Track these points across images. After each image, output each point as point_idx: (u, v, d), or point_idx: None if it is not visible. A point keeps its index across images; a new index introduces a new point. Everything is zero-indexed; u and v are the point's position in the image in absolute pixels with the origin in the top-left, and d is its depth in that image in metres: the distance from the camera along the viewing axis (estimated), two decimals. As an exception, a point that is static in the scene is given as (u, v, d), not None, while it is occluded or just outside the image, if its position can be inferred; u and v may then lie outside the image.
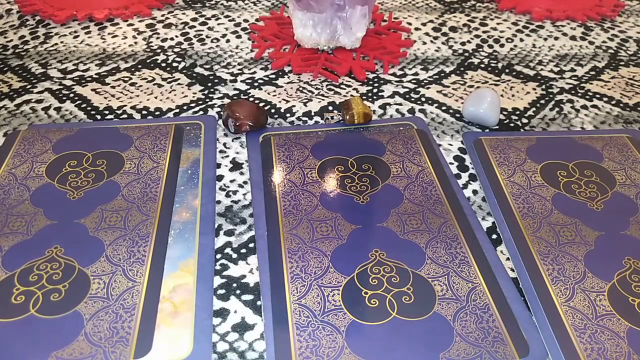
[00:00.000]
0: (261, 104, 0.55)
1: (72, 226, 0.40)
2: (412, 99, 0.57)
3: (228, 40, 0.67)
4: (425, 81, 0.60)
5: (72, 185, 0.43)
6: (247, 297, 0.36)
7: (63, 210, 0.41)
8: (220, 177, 0.46)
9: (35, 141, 0.47)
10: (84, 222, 0.40)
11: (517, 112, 0.55)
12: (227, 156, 0.48)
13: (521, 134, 0.52)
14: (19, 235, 0.39)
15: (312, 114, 0.54)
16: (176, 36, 0.67)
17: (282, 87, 0.58)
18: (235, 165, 0.47)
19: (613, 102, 0.58)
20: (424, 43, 0.68)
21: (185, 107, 0.54)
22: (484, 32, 0.71)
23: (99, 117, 0.52)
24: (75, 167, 0.45)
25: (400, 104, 0.56)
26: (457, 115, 0.54)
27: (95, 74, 0.59)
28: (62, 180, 0.43)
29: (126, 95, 0.56)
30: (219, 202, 0.43)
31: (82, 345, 0.32)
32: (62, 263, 0.37)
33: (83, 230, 0.39)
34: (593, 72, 0.63)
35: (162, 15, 0.72)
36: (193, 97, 0.56)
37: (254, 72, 0.60)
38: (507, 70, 0.63)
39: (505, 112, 0.55)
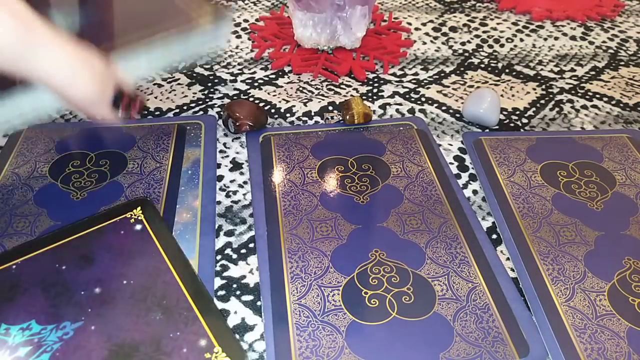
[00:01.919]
0: (261, 104, 0.55)
1: None
2: (412, 99, 0.57)
3: (228, 41, 0.67)
4: (425, 81, 0.60)
5: (76, 186, 0.43)
6: (247, 297, 0.36)
7: (67, 211, 0.41)
8: (220, 178, 0.46)
9: (38, 140, 0.47)
10: None
11: (517, 112, 0.55)
12: (227, 156, 0.48)
13: (521, 134, 0.52)
14: (22, 236, 0.39)
15: (312, 114, 0.54)
16: (176, 36, 0.67)
17: (282, 87, 0.58)
18: (235, 165, 0.47)
19: (613, 102, 0.58)
20: (424, 43, 0.68)
21: (185, 107, 0.54)
22: (484, 32, 0.71)
23: (99, 117, 0.52)
24: (79, 167, 0.45)
25: (400, 104, 0.56)
26: (457, 115, 0.54)
27: (96, 74, 0.59)
28: (65, 181, 0.43)
29: (126, 95, 0.56)
30: (219, 202, 0.43)
31: None
32: None
33: None
34: (593, 72, 0.63)
35: (162, 16, 0.72)
36: (193, 97, 0.56)
37: (254, 72, 0.60)
38: (507, 70, 0.63)
39: (505, 112, 0.55)
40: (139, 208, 0.38)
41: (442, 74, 0.61)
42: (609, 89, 0.60)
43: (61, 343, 0.29)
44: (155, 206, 0.39)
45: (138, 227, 0.36)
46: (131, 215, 0.37)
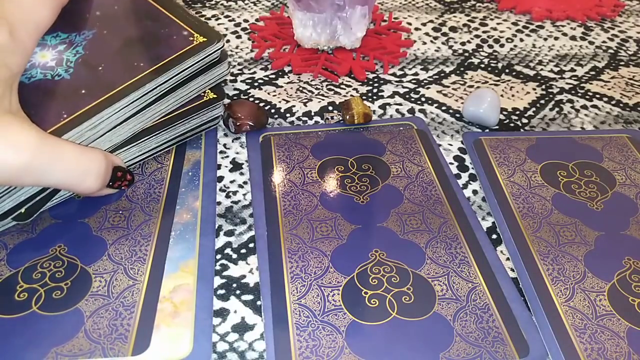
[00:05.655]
0: (261, 104, 0.55)
1: (76, 225, 0.40)
2: (412, 99, 0.57)
3: (228, 41, 0.67)
4: (425, 81, 0.60)
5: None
6: (247, 297, 0.36)
7: (68, 209, 0.41)
8: (220, 178, 0.46)
9: None
10: (87, 222, 0.40)
11: (517, 112, 0.55)
12: (227, 156, 0.48)
13: (521, 134, 0.52)
14: (23, 233, 0.39)
15: (312, 114, 0.54)
16: (176, 36, 0.67)
17: (282, 87, 0.58)
18: (235, 166, 0.47)
19: (613, 102, 0.58)
20: (424, 43, 0.68)
21: (185, 108, 0.54)
22: (484, 32, 0.71)
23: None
24: None
25: (400, 104, 0.56)
26: (457, 115, 0.54)
27: (96, 74, 0.59)
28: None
29: (126, 95, 0.56)
30: (219, 203, 0.43)
31: (82, 341, 0.32)
32: (65, 261, 0.37)
33: (87, 230, 0.39)
34: (593, 72, 0.63)
35: (163, 16, 0.72)
36: (193, 97, 0.56)
37: (254, 72, 0.60)
38: (507, 70, 0.63)
39: (505, 112, 0.55)
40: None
41: (442, 74, 0.61)
42: (609, 89, 0.60)
43: (86, 42, 0.41)
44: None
45: None
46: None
